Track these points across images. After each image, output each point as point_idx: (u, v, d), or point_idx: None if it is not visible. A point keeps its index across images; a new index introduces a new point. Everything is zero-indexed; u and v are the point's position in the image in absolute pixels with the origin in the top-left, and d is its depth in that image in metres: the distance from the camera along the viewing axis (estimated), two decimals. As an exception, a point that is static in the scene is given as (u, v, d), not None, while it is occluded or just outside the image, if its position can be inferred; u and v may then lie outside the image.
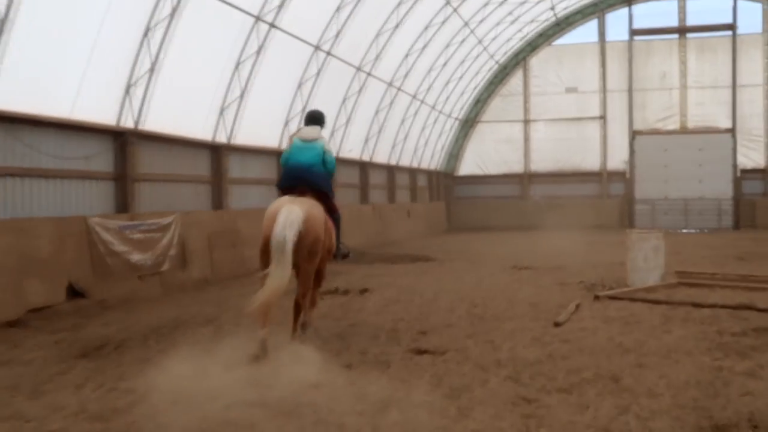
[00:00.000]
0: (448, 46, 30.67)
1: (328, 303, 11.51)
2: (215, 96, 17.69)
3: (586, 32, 38.12)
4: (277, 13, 18.45)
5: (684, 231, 34.32)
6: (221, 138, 18.15)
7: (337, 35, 21.90)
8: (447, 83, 33.69)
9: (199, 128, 17.40)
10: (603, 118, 37.70)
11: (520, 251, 22.60)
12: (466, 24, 30.42)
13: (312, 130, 9.03)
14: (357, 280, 15.15)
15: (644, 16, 36.63)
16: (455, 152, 40.00)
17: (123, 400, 6.45)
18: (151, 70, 14.89)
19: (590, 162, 38.05)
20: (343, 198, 23.84)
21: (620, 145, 37.37)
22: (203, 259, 16.09)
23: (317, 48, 21.52)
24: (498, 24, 33.06)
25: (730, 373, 7.01)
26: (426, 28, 27.70)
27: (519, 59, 38.54)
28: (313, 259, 8.21)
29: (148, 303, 12.83)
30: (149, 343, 9.06)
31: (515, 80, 38.95)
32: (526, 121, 38.87)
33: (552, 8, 35.34)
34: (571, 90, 38.05)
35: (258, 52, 18.36)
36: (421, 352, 8.21)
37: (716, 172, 35.39)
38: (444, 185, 39.79)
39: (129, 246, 13.57)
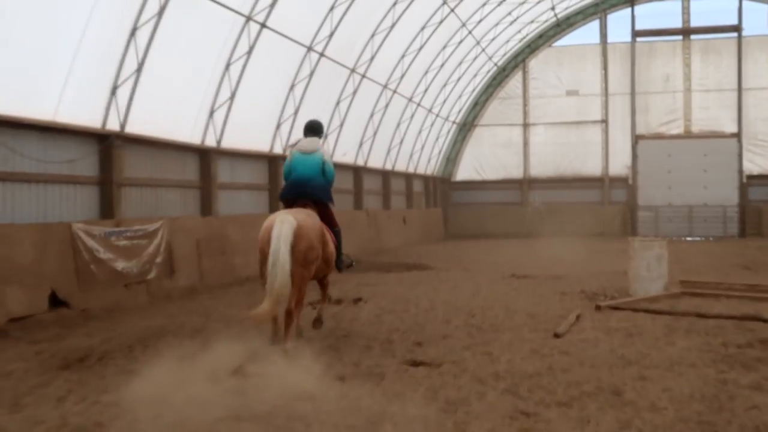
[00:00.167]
0: (445, 47, 30.73)
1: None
2: (204, 98, 17.68)
3: (587, 33, 38.29)
4: (269, 13, 18.45)
5: (688, 239, 34.44)
6: (210, 141, 18.13)
7: (330, 35, 21.93)
8: (444, 85, 33.76)
9: (188, 131, 17.38)
10: (605, 121, 37.80)
11: (519, 259, 22.63)
12: (464, 24, 30.50)
13: (311, 142, 9.56)
14: (350, 289, 15.14)
15: (647, 16, 36.81)
16: (452, 157, 40.05)
17: (106, 413, 6.42)
18: (138, 71, 14.87)
19: (591, 167, 38.12)
20: (337, 204, 23.73)
21: (622, 150, 37.47)
22: (191, 266, 16.05)
23: (310, 49, 21.53)
24: (496, 24, 33.17)
25: (735, 387, 7.02)
26: (422, 28, 27.77)
27: (518, 61, 38.66)
28: (308, 266, 8.61)
29: (134, 312, 12.77)
30: (134, 354, 9.03)
31: (514, 82, 39.04)
32: (526, 125, 38.95)
33: (552, 8, 35.47)
34: (571, 93, 38.15)
35: (249, 53, 18.36)
36: (416, 364, 8.21)
37: (721, 177, 35.53)
38: (441, 191, 39.82)
39: (114, 253, 13.53)
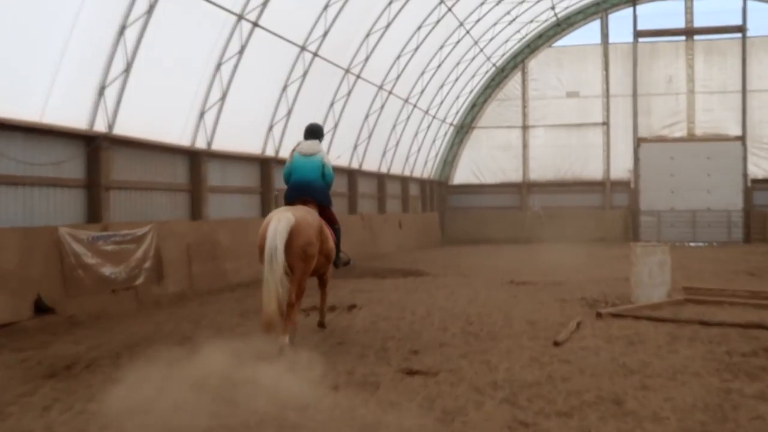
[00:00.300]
0: (442, 47, 30.78)
1: (313, 320, 11.47)
2: (194, 99, 17.67)
3: (588, 33, 38.40)
4: (261, 12, 18.47)
5: (691, 244, 34.53)
6: (200, 143, 18.13)
7: (324, 35, 21.94)
8: (441, 87, 33.80)
9: (177, 133, 17.37)
10: (606, 124, 37.88)
11: (517, 265, 22.65)
12: (462, 24, 30.56)
13: (311, 145, 10.25)
14: (344, 295, 15.14)
15: (649, 16, 36.89)
16: (449, 160, 40.10)
17: (93, 423, 6.41)
18: (126, 71, 14.87)
19: (592, 171, 38.19)
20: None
21: (624, 153, 37.54)
22: (180, 272, 16.04)
23: (303, 48, 21.55)
24: (495, 24, 33.23)
25: (739, 396, 7.03)
26: (419, 28, 27.81)
27: (517, 61, 38.74)
28: (308, 261, 9.22)
29: (122, 319, 12.76)
30: (122, 362, 9.01)
31: (513, 84, 39.12)
32: (525, 127, 39.02)
33: (552, 8, 35.56)
34: (572, 94, 38.24)
35: (240, 53, 18.37)
36: (412, 372, 8.21)
37: (725, 181, 35.58)
38: (437, 195, 39.86)
39: (101, 258, 13.50)
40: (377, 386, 7.60)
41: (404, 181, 35.08)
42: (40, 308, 12.03)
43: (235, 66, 18.41)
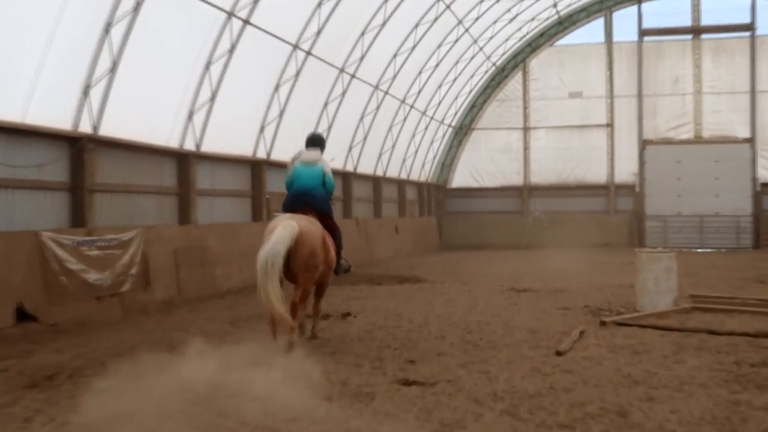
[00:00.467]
0: (440, 46, 30.84)
1: (306, 328, 11.45)
2: (183, 99, 17.67)
3: (591, 32, 38.45)
4: (252, 9, 18.48)
5: (699, 250, 34.54)
6: (189, 145, 18.12)
7: (318, 33, 21.97)
8: (439, 87, 33.85)
9: (165, 134, 17.36)
10: (610, 125, 37.94)
11: (518, 271, 22.67)
12: (460, 22, 30.62)
13: (312, 154, 10.84)
14: (339, 302, 15.13)
15: (655, 14, 36.94)
16: (448, 162, 40.15)
17: (77, 436, 6.39)
18: (112, 70, 14.86)
19: (596, 174, 38.22)
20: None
21: (629, 156, 37.61)
22: (168, 278, 16.02)
23: (296, 47, 21.56)
24: (495, 22, 33.30)
25: (748, 408, 7.04)
26: (416, 26, 27.85)
27: (518, 61, 38.81)
28: (311, 270, 9.77)
29: (107, 327, 12.73)
30: (107, 371, 8.97)
31: (514, 84, 39.19)
32: (526, 129, 39.08)
33: (554, 5, 35.67)
34: (574, 95, 38.28)
35: (231, 51, 18.38)
36: (408, 383, 8.21)
37: (734, 185, 35.62)
38: (435, 198, 39.89)
39: (85, 264, 13.48)
40: (372, 397, 7.59)
41: (401, 184, 35.09)
42: (22, 316, 12.00)
43: (225, 65, 18.41)
